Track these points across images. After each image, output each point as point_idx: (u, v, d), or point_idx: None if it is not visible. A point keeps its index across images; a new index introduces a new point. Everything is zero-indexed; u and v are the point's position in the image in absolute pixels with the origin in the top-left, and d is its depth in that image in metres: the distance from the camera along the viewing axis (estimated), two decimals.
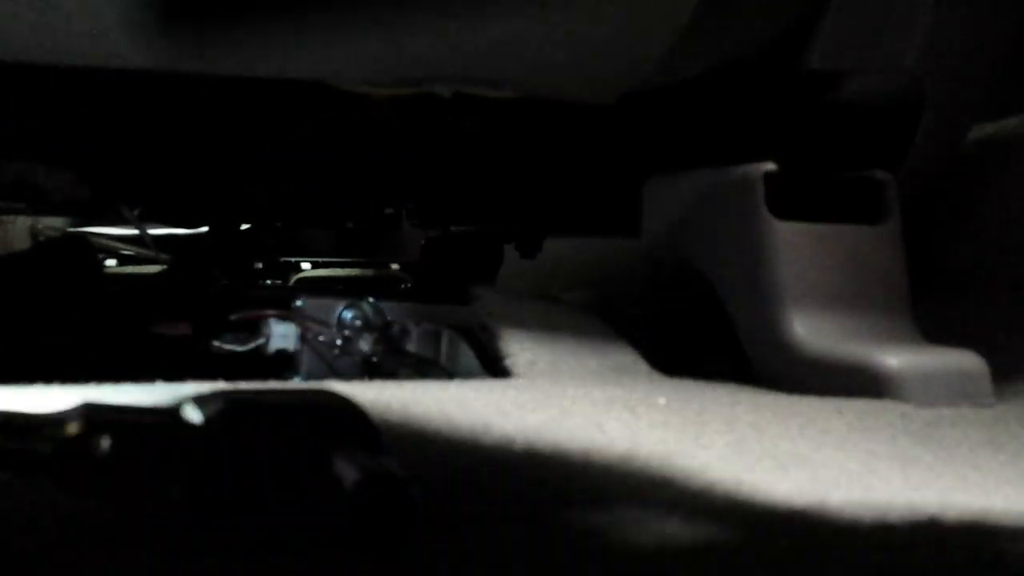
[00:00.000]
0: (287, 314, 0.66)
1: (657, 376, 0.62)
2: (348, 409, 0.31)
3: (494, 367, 0.61)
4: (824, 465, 0.40)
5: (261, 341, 0.66)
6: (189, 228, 0.92)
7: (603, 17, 0.63)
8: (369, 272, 1.09)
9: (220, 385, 0.33)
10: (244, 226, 0.84)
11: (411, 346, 0.67)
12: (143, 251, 0.94)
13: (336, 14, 0.62)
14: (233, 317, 0.66)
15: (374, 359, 0.66)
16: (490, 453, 0.40)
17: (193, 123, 0.74)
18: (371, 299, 0.67)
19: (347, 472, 0.29)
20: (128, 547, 0.28)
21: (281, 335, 0.66)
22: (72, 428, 0.29)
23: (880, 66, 0.69)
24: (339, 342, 0.66)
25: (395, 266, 1.07)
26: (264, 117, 0.77)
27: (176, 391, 0.45)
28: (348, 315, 0.67)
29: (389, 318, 0.67)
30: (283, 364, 0.65)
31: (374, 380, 0.54)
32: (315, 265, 1.11)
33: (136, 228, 0.90)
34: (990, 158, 0.77)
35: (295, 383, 0.60)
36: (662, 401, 0.51)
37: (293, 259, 1.08)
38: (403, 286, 0.99)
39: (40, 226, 0.93)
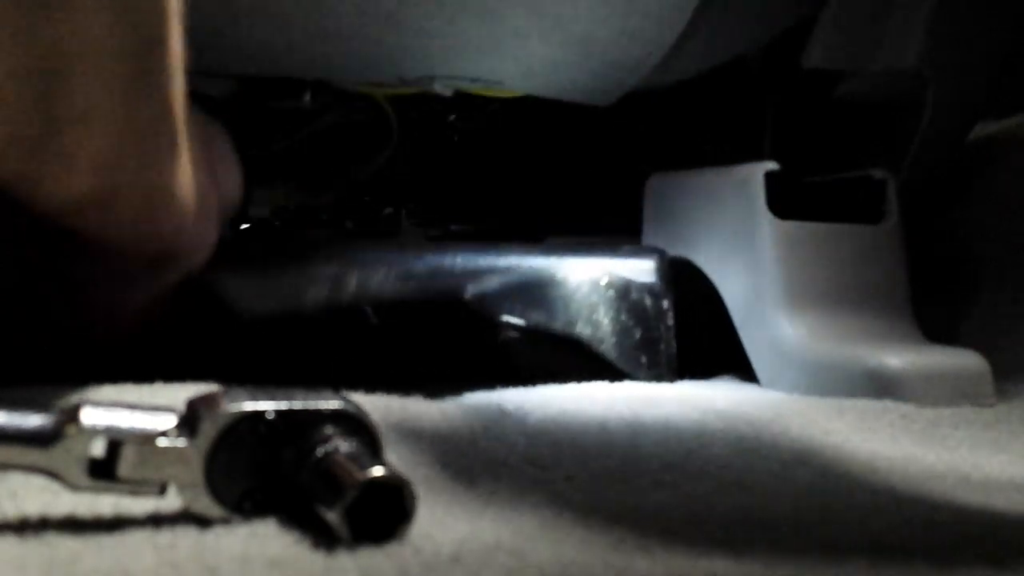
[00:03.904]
0: None
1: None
2: (348, 411, 0.31)
3: None
4: (826, 466, 0.40)
5: None
6: None
7: (603, 17, 0.63)
8: None
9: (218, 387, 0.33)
10: (243, 226, 0.84)
11: None
12: None
13: (338, 13, 0.62)
14: None
15: None
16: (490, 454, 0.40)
17: None
18: None
19: (348, 473, 0.29)
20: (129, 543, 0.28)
21: None
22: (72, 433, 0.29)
23: (880, 66, 0.69)
24: None
25: None
26: (262, 115, 0.77)
27: (176, 392, 0.45)
28: None
29: None
30: None
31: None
32: None
33: None
34: (990, 158, 0.77)
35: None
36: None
37: None
38: None
39: None
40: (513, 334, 0.59)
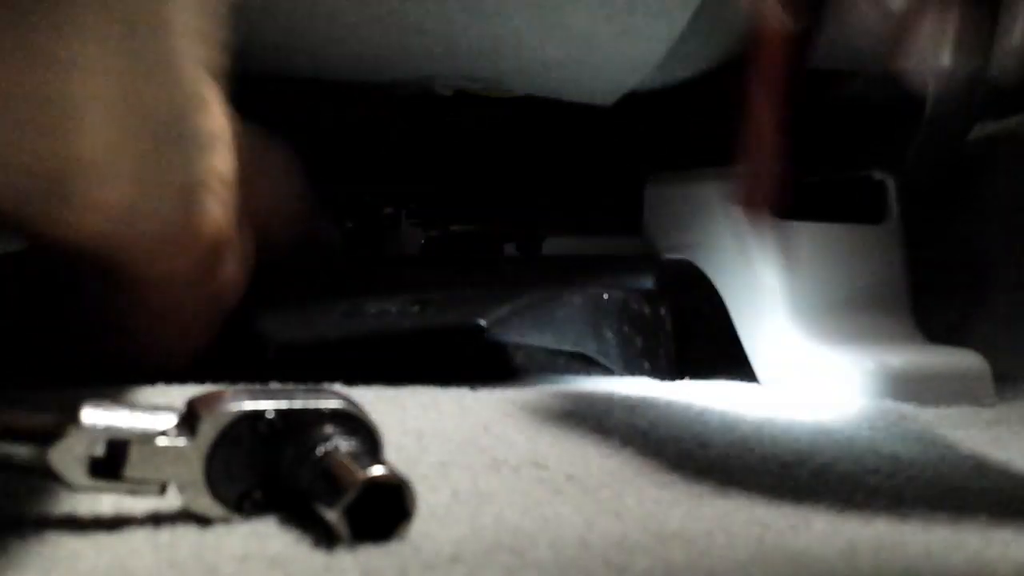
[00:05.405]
0: None
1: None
2: (348, 411, 0.31)
3: None
4: (826, 466, 0.40)
5: None
6: None
7: (603, 17, 0.63)
8: None
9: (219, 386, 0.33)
10: None
11: None
12: None
13: (337, 13, 0.62)
14: None
15: None
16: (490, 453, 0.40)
17: None
18: None
19: (347, 473, 0.28)
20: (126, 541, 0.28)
21: None
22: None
23: (880, 66, 0.69)
24: None
25: None
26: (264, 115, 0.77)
27: (175, 391, 0.45)
28: None
29: None
30: None
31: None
32: None
33: None
34: (990, 158, 0.77)
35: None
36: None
37: None
38: None
39: None
40: (524, 357, 0.63)
